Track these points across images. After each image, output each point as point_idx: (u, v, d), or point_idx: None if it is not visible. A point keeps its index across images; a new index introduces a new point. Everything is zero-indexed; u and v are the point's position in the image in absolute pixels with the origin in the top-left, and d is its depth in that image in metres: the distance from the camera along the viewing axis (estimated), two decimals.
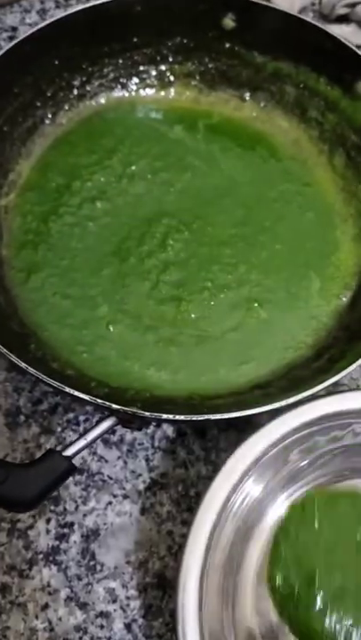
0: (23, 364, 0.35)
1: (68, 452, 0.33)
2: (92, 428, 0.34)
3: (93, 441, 0.34)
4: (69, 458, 0.33)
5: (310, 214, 0.47)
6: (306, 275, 0.45)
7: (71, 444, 0.34)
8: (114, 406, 0.34)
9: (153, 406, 0.36)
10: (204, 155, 0.50)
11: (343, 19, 0.58)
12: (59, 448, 0.34)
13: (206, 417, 0.35)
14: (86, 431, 0.34)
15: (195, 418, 0.35)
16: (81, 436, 0.34)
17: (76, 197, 0.47)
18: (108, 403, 0.34)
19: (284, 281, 0.45)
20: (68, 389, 0.34)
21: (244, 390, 0.41)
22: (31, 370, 0.35)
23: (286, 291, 0.44)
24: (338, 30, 0.56)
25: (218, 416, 0.35)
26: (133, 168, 0.49)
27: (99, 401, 0.34)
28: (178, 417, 0.35)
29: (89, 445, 0.34)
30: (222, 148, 0.50)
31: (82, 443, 0.33)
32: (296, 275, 0.45)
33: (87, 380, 0.40)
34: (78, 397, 0.35)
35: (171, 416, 0.35)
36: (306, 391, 0.35)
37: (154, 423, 0.43)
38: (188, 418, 0.35)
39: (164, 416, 0.34)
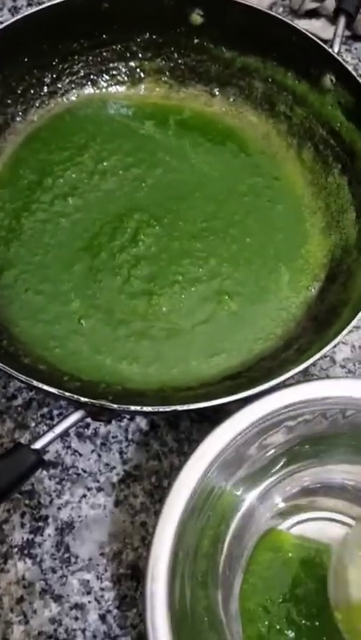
0: None
1: (37, 445, 0.33)
2: (60, 421, 0.34)
3: (62, 434, 0.34)
4: (37, 451, 0.33)
5: (280, 207, 0.48)
6: (276, 267, 0.46)
7: (40, 437, 0.34)
8: (82, 399, 0.34)
9: (124, 399, 0.36)
10: (175, 150, 0.50)
11: (313, 13, 0.58)
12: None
13: (173, 408, 0.35)
14: (55, 424, 0.35)
15: (162, 409, 0.35)
16: (49, 428, 0.34)
17: (48, 194, 0.47)
18: (75, 396, 0.34)
19: (254, 273, 0.45)
20: (36, 383, 0.35)
21: (215, 382, 0.41)
22: None
23: (256, 283, 0.45)
24: (307, 25, 0.57)
25: (185, 407, 0.35)
26: (105, 164, 0.49)
27: (66, 394, 0.34)
28: (145, 408, 0.35)
29: (57, 438, 0.34)
30: (193, 143, 0.50)
31: (50, 435, 0.34)
32: (266, 267, 0.45)
33: (60, 374, 0.40)
34: (48, 391, 0.35)
35: (138, 407, 0.35)
36: (273, 380, 0.36)
37: (126, 416, 0.43)
38: (156, 409, 0.35)
39: (132, 407, 0.35)
